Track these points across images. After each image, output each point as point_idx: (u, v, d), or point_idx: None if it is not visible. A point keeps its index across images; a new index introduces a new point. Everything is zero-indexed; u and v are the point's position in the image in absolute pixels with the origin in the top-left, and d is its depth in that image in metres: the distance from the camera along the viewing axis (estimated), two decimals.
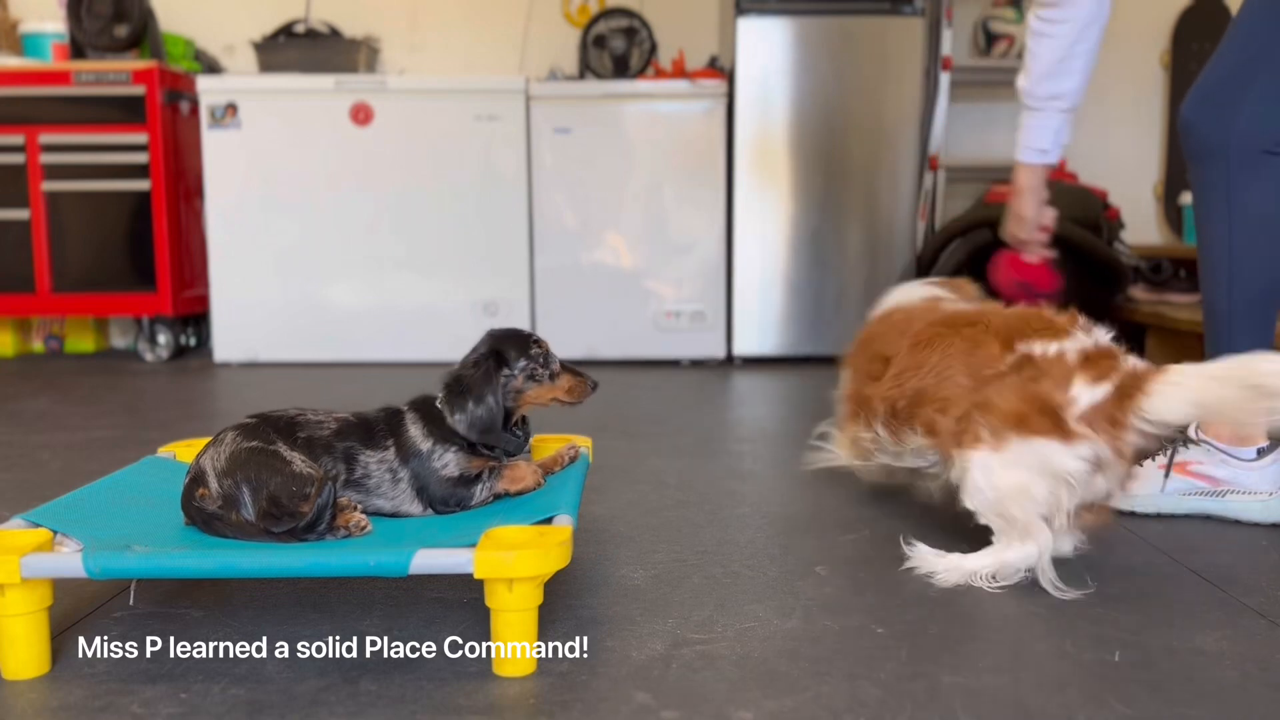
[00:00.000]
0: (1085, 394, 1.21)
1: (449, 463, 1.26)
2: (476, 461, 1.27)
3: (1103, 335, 1.29)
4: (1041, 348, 1.27)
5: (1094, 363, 1.23)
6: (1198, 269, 1.68)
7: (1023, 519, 1.24)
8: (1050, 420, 1.21)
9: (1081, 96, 1.78)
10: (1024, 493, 1.22)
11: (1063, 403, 1.21)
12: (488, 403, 1.25)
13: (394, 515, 1.26)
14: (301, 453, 1.18)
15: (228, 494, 1.12)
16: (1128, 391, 1.19)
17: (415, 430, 1.27)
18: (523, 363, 1.28)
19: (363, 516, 1.17)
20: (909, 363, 1.41)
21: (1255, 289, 1.60)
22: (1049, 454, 1.21)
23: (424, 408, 1.29)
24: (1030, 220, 1.84)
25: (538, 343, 1.30)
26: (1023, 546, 1.25)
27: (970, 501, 1.28)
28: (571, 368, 1.33)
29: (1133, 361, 1.24)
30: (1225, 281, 1.61)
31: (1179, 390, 1.16)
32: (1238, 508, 1.58)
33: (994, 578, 1.27)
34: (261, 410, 1.25)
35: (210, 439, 1.21)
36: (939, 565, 1.31)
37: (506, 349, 1.29)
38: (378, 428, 1.27)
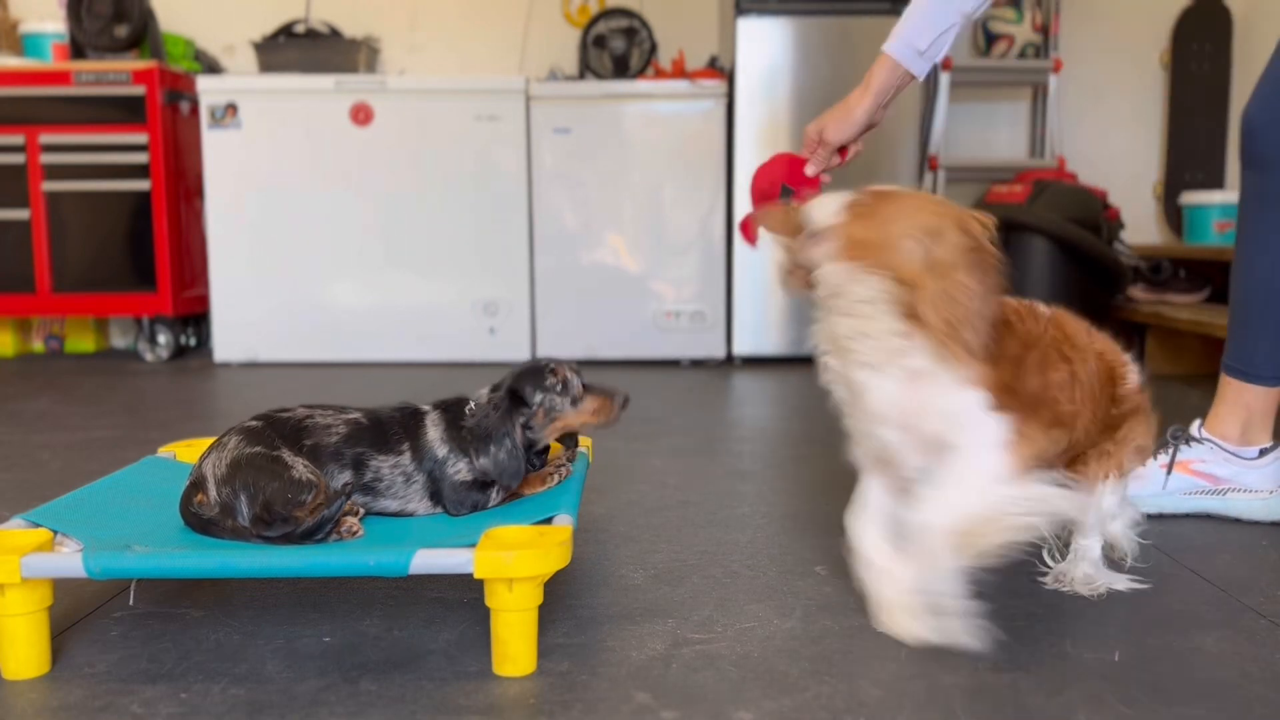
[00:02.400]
0: None
1: (461, 469, 1.25)
2: None
3: None
4: None
5: None
6: (1232, 269, 1.58)
7: None
8: None
9: (985, 10, 1.51)
10: None
11: None
12: (507, 446, 1.23)
13: (399, 514, 1.26)
14: (307, 460, 1.17)
15: (225, 502, 1.12)
16: None
17: (434, 434, 1.26)
18: (539, 397, 1.26)
19: (355, 521, 1.17)
20: None
21: None
22: None
23: (449, 413, 1.28)
24: (855, 125, 1.48)
25: (554, 371, 1.27)
26: None
27: None
28: (599, 387, 1.29)
29: None
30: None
31: None
32: (1240, 506, 1.58)
33: None
34: (266, 410, 1.25)
35: (214, 440, 1.21)
36: None
37: (522, 386, 1.27)
38: (392, 430, 1.26)
